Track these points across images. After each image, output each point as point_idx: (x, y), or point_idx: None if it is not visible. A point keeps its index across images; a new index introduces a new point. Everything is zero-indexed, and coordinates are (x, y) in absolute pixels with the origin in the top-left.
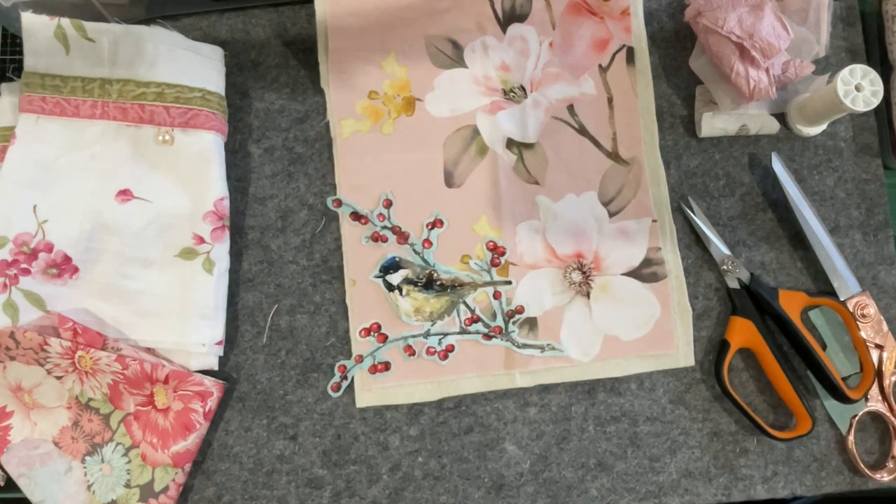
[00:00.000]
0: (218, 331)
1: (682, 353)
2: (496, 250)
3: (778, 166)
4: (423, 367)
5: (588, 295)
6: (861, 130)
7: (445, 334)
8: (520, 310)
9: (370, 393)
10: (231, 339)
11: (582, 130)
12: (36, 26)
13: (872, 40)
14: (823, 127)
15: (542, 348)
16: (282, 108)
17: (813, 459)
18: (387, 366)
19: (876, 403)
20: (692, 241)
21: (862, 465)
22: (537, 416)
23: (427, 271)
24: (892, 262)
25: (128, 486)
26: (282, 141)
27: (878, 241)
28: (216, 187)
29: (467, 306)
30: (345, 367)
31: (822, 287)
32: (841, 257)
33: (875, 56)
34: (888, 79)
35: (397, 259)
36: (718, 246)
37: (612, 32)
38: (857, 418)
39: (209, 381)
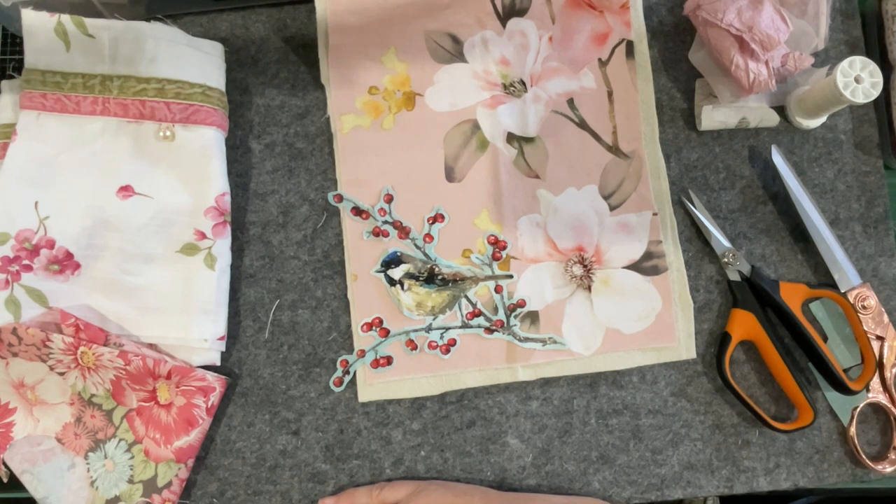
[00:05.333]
0: (220, 326)
1: (683, 345)
2: (497, 244)
3: (778, 159)
4: (425, 361)
5: (589, 288)
6: (861, 122)
7: (447, 328)
8: (521, 303)
9: (372, 387)
10: (233, 334)
11: (582, 124)
12: (36, 23)
13: (872, 40)
14: (823, 119)
15: (543, 342)
16: (282, 103)
17: (815, 451)
18: (389, 360)
19: (877, 395)
20: (693, 234)
21: (863, 457)
22: (539, 409)
23: (428, 266)
24: (892, 254)
25: (131, 481)
26: (282, 136)
27: (878, 233)
28: (217, 183)
29: (469, 300)
30: (347, 361)
31: (823, 279)
32: (841, 249)
33: (875, 56)
34: (888, 79)
35: (399, 254)
36: (719, 239)
37: (611, 26)
38: (858, 410)
39: (211, 377)
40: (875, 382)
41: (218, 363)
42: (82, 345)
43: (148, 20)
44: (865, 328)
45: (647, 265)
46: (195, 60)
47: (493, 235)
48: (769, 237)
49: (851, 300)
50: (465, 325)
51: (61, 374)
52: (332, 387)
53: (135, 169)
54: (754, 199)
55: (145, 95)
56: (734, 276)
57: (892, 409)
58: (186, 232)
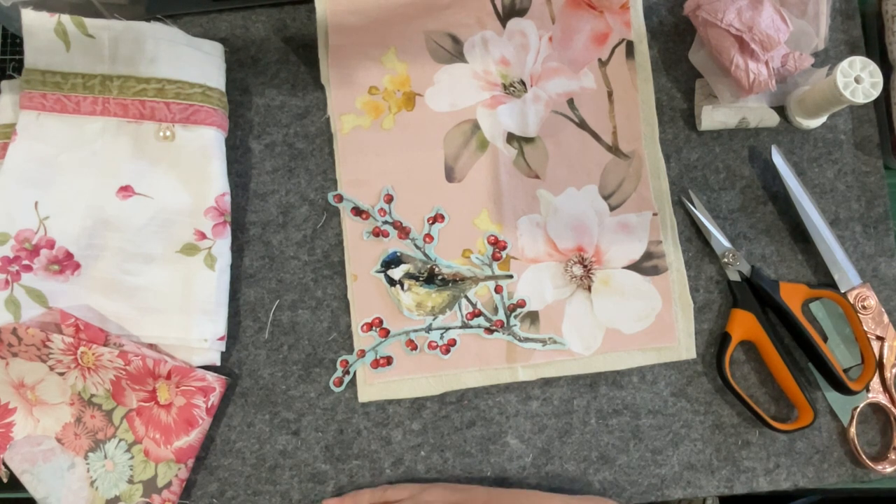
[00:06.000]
0: (220, 326)
1: (683, 345)
2: (497, 244)
3: (778, 159)
4: (425, 361)
5: (589, 288)
6: (861, 123)
7: (447, 328)
8: (521, 304)
9: (372, 387)
10: (233, 334)
11: (582, 124)
12: (36, 23)
13: (872, 40)
14: (823, 119)
15: (543, 342)
16: (282, 103)
17: (815, 451)
18: (389, 360)
19: (877, 395)
20: (693, 234)
21: (863, 457)
22: (539, 409)
23: (428, 266)
24: (892, 254)
25: (131, 481)
26: (282, 137)
27: (878, 233)
28: (217, 183)
29: (469, 300)
30: (347, 361)
31: (823, 279)
32: (841, 249)
33: (875, 56)
34: (888, 79)
35: (399, 254)
36: (719, 239)
37: (611, 26)
38: (858, 410)
39: (211, 377)
40: (875, 382)
41: (218, 363)
42: (82, 345)
43: (148, 20)
44: (865, 328)
45: (647, 265)
46: (195, 60)
47: (493, 235)
48: (769, 237)
49: (851, 300)
50: (465, 326)
51: (61, 374)
52: (332, 387)
53: (135, 169)
54: (754, 199)
55: (145, 95)
56: (734, 276)
57: (892, 409)
58: (186, 232)
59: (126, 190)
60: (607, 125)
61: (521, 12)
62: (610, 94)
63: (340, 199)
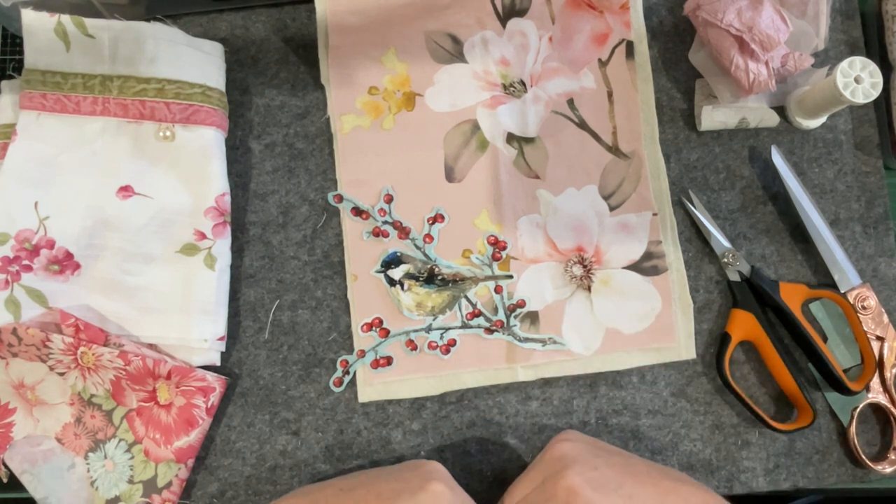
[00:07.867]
0: (220, 326)
1: (683, 346)
2: (497, 245)
3: (778, 159)
4: (425, 361)
5: (589, 289)
6: (861, 123)
7: (447, 329)
8: (521, 304)
9: (372, 388)
10: (233, 334)
11: (582, 124)
12: (36, 23)
13: (872, 40)
14: (823, 119)
15: (543, 342)
16: (282, 104)
17: (815, 451)
18: (389, 360)
19: (877, 395)
20: (693, 234)
21: (863, 457)
22: (539, 409)
23: (428, 266)
24: (892, 254)
25: (131, 482)
26: (282, 137)
27: (878, 234)
28: (217, 183)
29: (469, 301)
30: (347, 361)
31: (823, 279)
32: (841, 249)
33: (875, 56)
34: (888, 79)
35: (399, 254)
36: (719, 239)
37: (611, 27)
38: (858, 410)
39: (211, 377)
40: (875, 382)
41: (218, 363)
42: (82, 345)
43: (148, 20)
44: (865, 328)
45: (646, 265)
46: (195, 60)
47: (493, 236)
48: (769, 237)
49: (851, 300)
50: (465, 326)
51: (61, 374)
52: (332, 387)
53: (135, 169)
54: (754, 199)
55: (145, 95)
56: (734, 277)
57: (892, 409)
58: (186, 232)
59: (126, 190)
60: (607, 125)
61: (521, 12)
62: (610, 95)
63: (340, 199)
